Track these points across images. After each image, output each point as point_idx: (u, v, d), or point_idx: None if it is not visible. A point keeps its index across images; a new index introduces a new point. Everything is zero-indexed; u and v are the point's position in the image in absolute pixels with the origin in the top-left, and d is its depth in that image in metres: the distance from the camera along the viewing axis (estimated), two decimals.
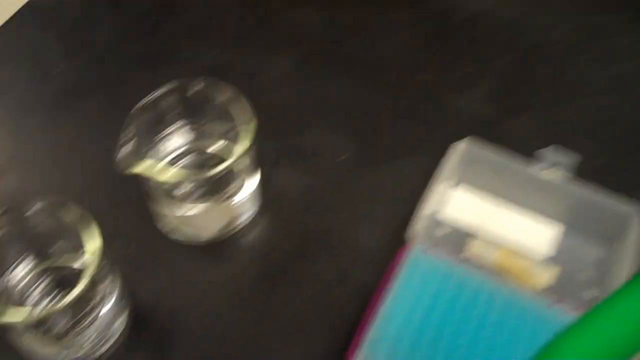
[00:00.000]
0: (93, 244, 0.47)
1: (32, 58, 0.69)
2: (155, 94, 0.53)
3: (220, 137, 0.57)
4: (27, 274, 0.53)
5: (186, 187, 0.54)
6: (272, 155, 0.61)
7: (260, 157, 0.56)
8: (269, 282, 0.56)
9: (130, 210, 0.59)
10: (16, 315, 0.45)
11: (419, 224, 0.54)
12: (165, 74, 0.56)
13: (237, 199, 0.56)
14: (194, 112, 0.56)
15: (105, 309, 0.50)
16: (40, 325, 0.48)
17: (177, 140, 0.57)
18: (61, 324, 0.48)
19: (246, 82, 0.57)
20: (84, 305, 0.48)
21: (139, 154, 0.52)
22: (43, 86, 0.67)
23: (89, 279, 0.46)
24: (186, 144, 0.58)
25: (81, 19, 0.72)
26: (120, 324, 0.53)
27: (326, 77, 0.67)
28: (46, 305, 0.52)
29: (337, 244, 0.57)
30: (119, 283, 0.52)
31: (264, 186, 0.59)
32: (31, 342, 0.49)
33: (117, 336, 0.53)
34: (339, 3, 0.73)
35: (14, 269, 0.52)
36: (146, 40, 0.70)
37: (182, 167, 0.57)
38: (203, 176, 0.52)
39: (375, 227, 0.58)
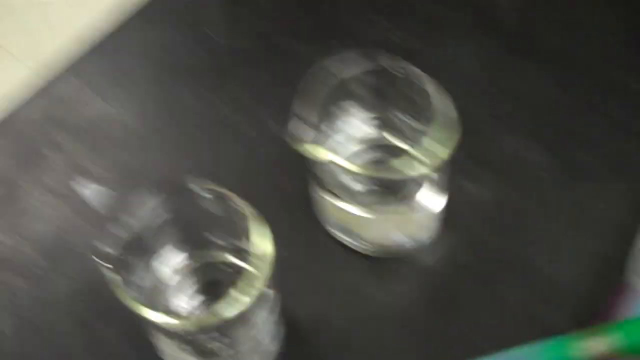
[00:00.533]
0: (262, 246, 0.41)
1: (192, 26, 0.63)
2: (343, 68, 0.46)
3: (411, 132, 0.49)
4: (178, 268, 0.47)
5: (362, 184, 0.47)
6: (458, 160, 0.53)
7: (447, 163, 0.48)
8: (443, 308, 0.49)
9: (288, 206, 0.53)
10: (163, 318, 0.39)
11: None
12: (336, 50, 0.49)
13: (418, 207, 0.48)
14: (384, 98, 0.48)
15: (260, 323, 0.44)
16: (181, 336, 0.43)
17: (358, 125, 0.50)
18: (206, 336, 0.42)
19: (430, 72, 0.48)
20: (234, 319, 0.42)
21: (315, 132, 0.45)
22: (202, 55, 0.62)
23: (258, 290, 0.39)
24: (369, 132, 0.50)
25: None
26: (272, 341, 0.46)
27: (523, 75, 0.58)
28: (196, 308, 0.46)
29: (526, 274, 0.50)
30: (274, 293, 0.45)
31: (449, 197, 0.51)
32: (167, 346, 0.44)
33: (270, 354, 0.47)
34: None
35: (165, 260, 0.46)
36: (319, 12, 0.63)
37: (362, 159, 0.51)
38: (390, 175, 0.45)
39: (574, 259, 0.50)
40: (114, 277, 0.41)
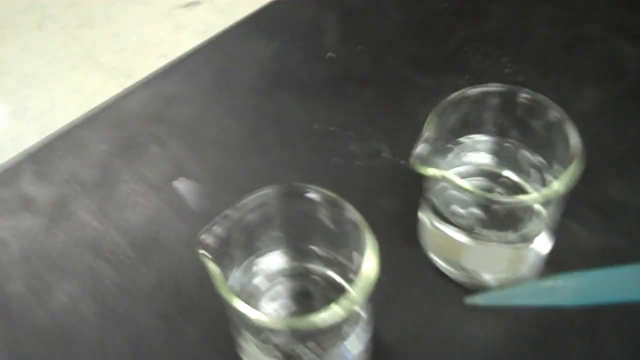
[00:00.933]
0: (369, 265, 0.39)
1: (306, 36, 0.63)
2: (470, 91, 0.44)
3: (528, 165, 0.47)
4: (273, 274, 0.46)
5: (473, 210, 0.45)
6: (572, 202, 0.51)
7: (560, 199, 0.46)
8: (535, 350, 0.46)
9: (390, 228, 0.51)
10: (257, 315, 0.38)
11: None
12: (450, 81, 0.47)
13: (525, 243, 0.46)
14: (505, 126, 0.47)
15: (350, 340, 0.42)
16: (269, 338, 0.41)
17: (475, 152, 0.48)
18: (294, 342, 0.40)
19: None
20: (324, 333, 0.40)
21: (432, 156, 0.44)
22: (311, 67, 0.61)
23: (355, 307, 0.38)
24: (484, 159, 0.49)
25: (366, 8, 0.65)
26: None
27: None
28: (288, 313, 0.45)
29: (628, 328, 0.47)
30: (369, 314, 0.43)
31: (558, 236, 0.48)
32: (252, 348, 0.42)
33: None
34: None
35: (263, 263, 0.45)
36: (433, 42, 0.62)
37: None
38: (504, 200, 0.43)
39: None
40: (214, 268, 0.39)
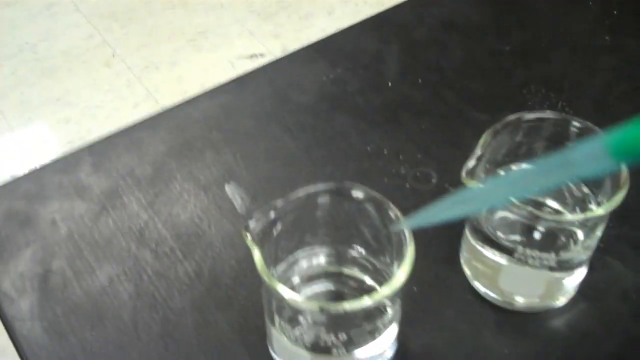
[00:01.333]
0: (405, 263, 0.39)
1: (367, 66, 0.65)
2: (527, 115, 0.45)
3: (573, 195, 0.47)
4: (314, 271, 0.46)
5: (514, 230, 0.45)
6: (607, 237, 0.51)
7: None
8: None
9: (429, 245, 0.51)
10: (292, 294, 0.38)
11: None
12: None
13: (561, 266, 0.46)
14: (557, 149, 0.47)
15: (376, 340, 0.42)
16: (302, 324, 0.41)
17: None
18: (325, 328, 0.41)
19: None
20: (358, 322, 0.41)
21: (482, 174, 0.44)
22: (369, 94, 0.63)
23: (384, 296, 0.38)
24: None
25: (428, 43, 0.67)
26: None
27: None
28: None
29: None
30: (397, 323, 0.43)
31: (592, 268, 0.48)
32: (282, 336, 0.42)
33: None
34: None
35: (302, 259, 0.46)
36: (493, 81, 0.63)
37: None
38: (548, 217, 0.43)
39: None
40: (257, 251, 0.40)
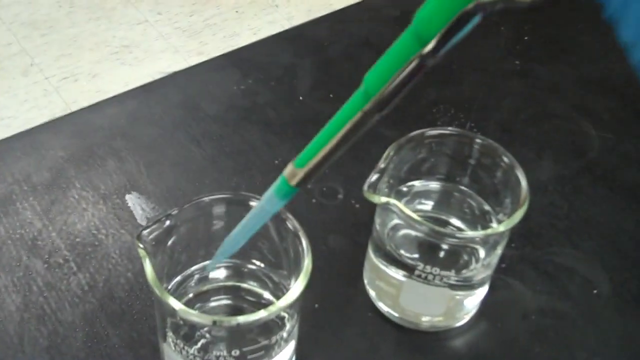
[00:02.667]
0: (303, 277, 0.38)
1: (279, 79, 0.64)
2: (429, 132, 0.45)
3: (476, 212, 0.47)
4: (212, 285, 0.45)
5: (415, 247, 0.45)
6: (510, 259, 0.51)
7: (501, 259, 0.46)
8: None
9: (333, 264, 0.51)
10: (185, 309, 0.36)
11: None
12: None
13: (461, 284, 0.45)
14: (457, 172, 0.47)
15: (272, 359, 0.41)
16: (190, 337, 0.40)
17: (425, 199, 0.49)
18: (219, 343, 0.39)
19: None
20: (253, 337, 0.39)
21: (386, 189, 0.44)
22: (280, 107, 0.62)
23: (280, 309, 0.37)
24: (433, 206, 0.49)
25: (341, 59, 0.67)
26: None
27: (596, 201, 0.56)
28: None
29: None
30: (294, 339, 0.42)
31: (493, 290, 0.48)
32: (172, 355, 0.40)
33: None
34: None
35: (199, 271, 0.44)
36: (403, 99, 0.63)
37: None
38: (446, 232, 0.43)
39: None
40: (149, 263, 0.38)
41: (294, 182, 0.33)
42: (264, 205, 0.35)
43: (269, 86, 0.63)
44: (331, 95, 0.62)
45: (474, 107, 0.61)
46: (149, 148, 0.58)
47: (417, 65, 0.28)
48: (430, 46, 0.27)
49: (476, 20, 0.26)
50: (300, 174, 0.33)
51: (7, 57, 1.83)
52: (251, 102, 0.62)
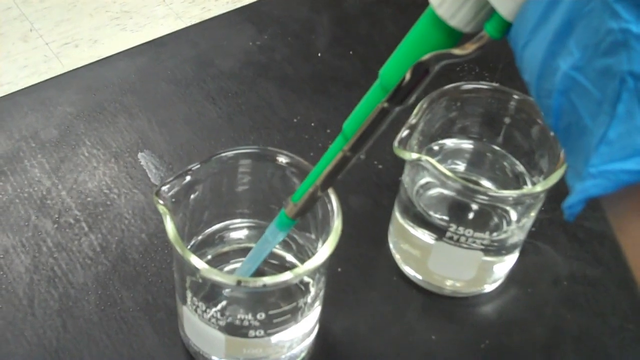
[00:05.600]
0: (332, 239, 0.36)
1: (297, 34, 0.62)
2: (466, 86, 0.43)
3: (509, 173, 0.45)
4: (235, 247, 0.43)
5: (446, 207, 0.43)
6: (548, 227, 0.49)
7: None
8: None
9: (356, 225, 0.48)
10: (208, 268, 0.34)
11: None
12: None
13: (496, 253, 0.43)
14: (491, 129, 0.45)
15: (298, 323, 0.39)
16: (215, 297, 0.38)
17: (457, 159, 0.46)
18: (240, 311, 0.37)
19: None
20: (277, 301, 0.37)
21: (416, 146, 0.42)
22: (298, 64, 0.59)
23: (306, 272, 0.35)
24: (465, 166, 0.46)
25: (360, 15, 0.64)
26: (302, 349, 0.41)
27: None
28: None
29: (586, 350, 0.44)
30: (320, 304, 0.40)
31: (524, 254, 0.46)
32: (195, 316, 0.38)
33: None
34: None
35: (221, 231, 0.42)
36: None
37: None
38: (481, 190, 0.41)
39: None
40: (170, 219, 0.36)
41: (291, 215, 0.36)
42: (267, 236, 0.38)
43: (286, 42, 0.60)
44: (350, 52, 0.59)
45: (499, 65, 0.59)
46: (161, 105, 0.55)
47: (382, 112, 0.30)
48: (388, 96, 0.30)
49: (433, 72, 0.28)
50: (296, 208, 0.35)
51: (6, 22, 1.79)
52: (268, 58, 0.59)
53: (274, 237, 0.37)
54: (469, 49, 0.26)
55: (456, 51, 0.27)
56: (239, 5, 0.63)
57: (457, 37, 0.27)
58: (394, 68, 0.29)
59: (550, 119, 0.23)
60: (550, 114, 0.23)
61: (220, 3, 1.83)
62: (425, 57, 0.28)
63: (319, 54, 0.60)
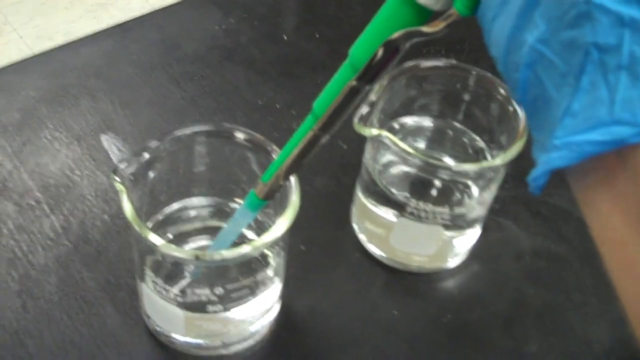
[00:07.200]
0: (289, 212, 0.36)
1: (263, 17, 0.61)
2: (425, 63, 0.43)
3: (470, 148, 0.45)
4: (194, 225, 0.43)
5: (407, 183, 0.43)
6: (511, 203, 0.49)
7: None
8: (451, 335, 0.44)
9: (319, 205, 0.48)
10: (167, 244, 0.34)
11: None
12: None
13: (458, 228, 0.43)
14: (450, 106, 0.45)
15: (256, 298, 0.39)
16: (175, 275, 0.38)
17: (417, 137, 0.46)
18: (199, 287, 0.37)
19: None
20: (236, 276, 0.37)
21: (377, 123, 0.42)
22: (264, 47, 0.59)
23: (264, 245, 0.35)
24: (425, 143, 0.47)
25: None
26: (263, 325, 0.41)
27: None
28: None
29: (548, 326, 0.44)
30: (280, 280, 0.40)
31: (487, 231, 0.46)
32: (154, 294, 0.38)
33: (253, 339, 0.41)
34: None
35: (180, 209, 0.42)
36: None
37: None
38: (441, 165, 0.41)
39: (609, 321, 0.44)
40: (127, 198, 0.36)
41: (261, 195, 0.35)
42: (237, 217, 0.37)
43: (252, 25, 0.60)
44: (317, 35, 0.59)
45: (465, 47, 0.59)
46: (125, 88, 0.55)
47: (352, 91, 0.30)
48: (358, 74, 0.30)
49: (403, 50, 0.28)
50: (266, 188, 0.35)
51: None
52: (234, 42, 0.59)
53: (244, 217, 0.37)
54: (438, 26, 0.27)
55: (426, 29, 0.27)
56: None
57: (426, 15, 0.27)
58: (364, 46, 0.29)
59: (517, 92, 0.23)
60: (517, 87, 0.23)
61: None
62: (395, 35, 0.28)
63: (285, 37, 0.60)
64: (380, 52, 0.28)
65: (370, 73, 0.29)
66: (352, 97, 0.31)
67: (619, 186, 0.21)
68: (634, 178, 0.20)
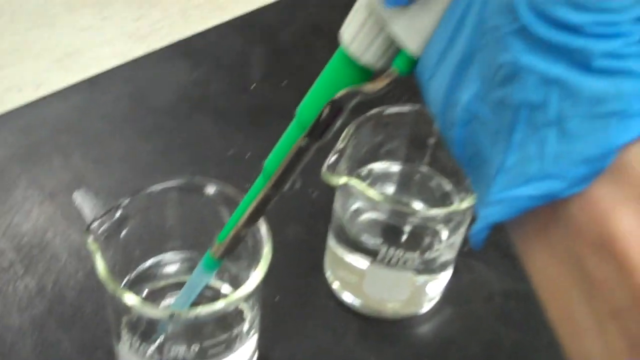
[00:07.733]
0: (262, 266, 0.37)
1: (231, 67, 0.62)
2: (390, 110, 0.44)
3: (437, 193, 0.46)
4: (168, 281, 0.43)
5: (377, 230, 0.43)
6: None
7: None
8: None
9: (291, 255, 0.49)
10: (141, 303, 0.34)
11: None
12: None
13: (430, 272, 0.44)
14: (417, 151, 0.46)
15: (234, 353, 0.39)
16: (152, 332, 0.38)
17: (385, 182, 0.47)
18: (180, 346, 0.37)
19: None
20: (212, 331, 0.37)
21: (345, 171, 0.42)
22: (233, 97, 0.60)
23: (239, 299, 0.35)
24: (394, 188, 0.47)
25: (294, 46, 0.65)
26: None
27: None
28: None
29: None
30: (256, 332, 0.41)
31: (457, 273, 0.47)
32: (129, 357, 0.38)
33: None
34: None
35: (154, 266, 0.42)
36: None
37: None
38: (408, 210, 0.41)
39: None
40: (100, 257, 0.36)
41: (218, 255, 0.35)
42: (194, 278, 0.37)
43: (220, 75, 0.61)
44: (283, 83, 0.60)
45: None
46: (96, 143, 0.56)
47: (301, 149, 0.31)
48: (306, 132, 0.30)
49: (347, 108, 0.29)
50: (222, 248, 0.35)
51: None
52: (202, 92, 0.60)
53: (201, 278, 0.37)
54: (379, 85, 0.27)
55: (367, 88, 0.28)
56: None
57: (368, 74, 0.28)
58: (310, 106, 0.30)
59: (454, 150, 0.24)
60: (454, 145, 0.23)
61: (165, 42, 1.84)
62: (338, 94, 0.29)
63: (253, 86, 0.61)
64: (326, 111, 0.29)
65: (317, 131, 0.30)
66: (302, 154, 0.32)
67: (553, 238, 0.21)
68: (566, 230, 0.21)
